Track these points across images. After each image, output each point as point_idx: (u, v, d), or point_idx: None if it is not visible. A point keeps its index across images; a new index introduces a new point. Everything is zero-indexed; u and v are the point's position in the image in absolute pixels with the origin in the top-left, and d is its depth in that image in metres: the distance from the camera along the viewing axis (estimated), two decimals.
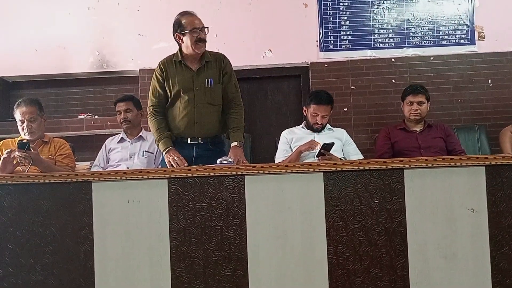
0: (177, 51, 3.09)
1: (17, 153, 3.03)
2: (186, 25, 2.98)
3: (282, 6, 4.70)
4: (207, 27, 3.03)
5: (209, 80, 3.06)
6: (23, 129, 3.34)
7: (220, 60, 3.14)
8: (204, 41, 3.01)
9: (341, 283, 2.24)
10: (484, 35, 4.64)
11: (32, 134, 3.35)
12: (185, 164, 2.85)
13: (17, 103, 3.38)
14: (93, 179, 2.31)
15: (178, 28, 3.02)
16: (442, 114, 4.52)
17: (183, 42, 3.02)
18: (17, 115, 3.34)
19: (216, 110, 3.11)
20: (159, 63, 3.11)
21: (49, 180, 2.31)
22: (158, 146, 3.10)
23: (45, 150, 3.37)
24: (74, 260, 2.29)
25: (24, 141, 3.16)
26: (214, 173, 2.30)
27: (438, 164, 2.27)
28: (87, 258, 2.28)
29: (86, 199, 2.30)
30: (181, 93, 3.02)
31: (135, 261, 2.28)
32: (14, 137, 3.48)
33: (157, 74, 3.10)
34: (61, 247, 2.29)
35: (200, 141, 3.09)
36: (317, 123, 3.54)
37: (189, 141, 3.08)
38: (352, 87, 4.64)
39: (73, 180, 2.31)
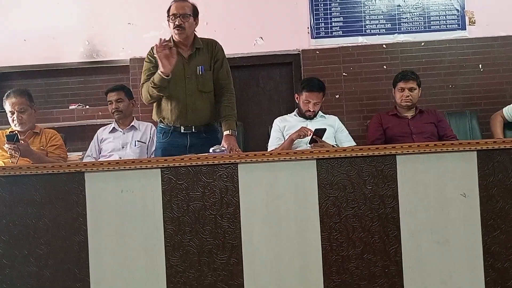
0: (170, 38, 3.08)
1: (6, 145, 3.02)
2: (170, 10, 3.00)
3: None
4: (190, 14, 2.98)
5: (200, 67, 3.05)
6: (13, 120, 3.32)
7: (212, 46, 3.13)
8: (182, 27, 2.97)
9: (335, 269, 2.25)
10: (474, 20, 4.65)
11: (22, 125, 3.32)
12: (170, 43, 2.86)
13: (6, 94, 3.35)
14: (86, 169, 2.30)
15: (167, 13, 3.03)
16: (434, 100, 4.54)
17: (170, 28, 3.03)
18: (7, 106, 3.32)
19: (208, 97, 3.10)
20: (152, 47, 3.08)
21: (42, 172, 2.30)
22: (154, 84, 2.92)
23: (36, 141, 3.35)
24: (69, 251, 2.28)
25: (13, 132, 3.14)
26: (207, 162, 2.30)
27: (430, 150, 2.28)
28: (81, 249, 2.28)
29: (79, 189, 2.29)
30: (173, 80, 3.01)
31: (129, 251, 2.28)
32: (4, 129, 3.45)
33: (149, 56, 3.08)
34: (55, 238, 2.28)
35: (193, 129, 3.08)
36: (309, 110, 3.55)
37: (182, 130, 3.07)
38: (344, 73, 4.64)
39: (66, 171, 2.30)
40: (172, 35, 3.05)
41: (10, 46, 4.69)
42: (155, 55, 2.88)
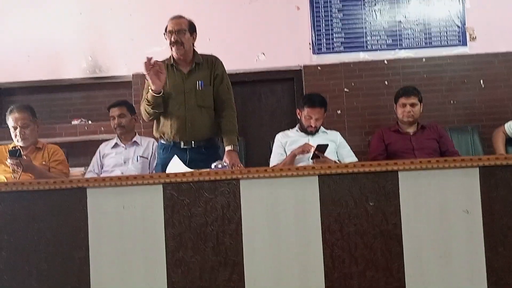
0: (170, 55, 3.12)
1: (8, 160, 3.02)
2: (167, 28, 3.05)
3: (275, 9, 4.71)
4: (185, 30, 3.02)
5: (200, 82, 3.07)
6: (15, 136, 3.33)
7: (211, 62, 3.15)
8: (178, 43, 3.01)
9: (337, 286, 2.23)
10: (475, 36, 4.67)
11: (25, 141, 3.33)
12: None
13: (9, 109, 3.37)
14: (88, 185, 2.30)
15: (164, 31, 3.08)
16: (435, 115, 4.54)
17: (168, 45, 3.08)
18: (10, 121, 3.33)
19: (207, 112, 3.11)
20: None
21: (44, 187, 2.29)
22: (148, 102, 3.00)
23: (38, 157, 3.36)
24: (70, 267, 2.27)
25: (15, 148, 3.15)
26: (209, 178, 2.30)
27: (432, 166, 2.27)
28: (83, 264, 2.27)
29: (81, 205, 2.29)
30: (172, 96, 3.03)
31: (131, 267, 2.27)
32: (7, 144, 3.46)
33: None
34: (56, 254, 2.27)
35: (193, 145, 3.08)
36: (311, 126, 3.55)
37: (182, 145, 3.08)
38: (345, 89, 4.65)
39: (68, 186, 2.30)
40: (171, 52, 3.08)
41: (14, 62, 4.71)
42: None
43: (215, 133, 3.17)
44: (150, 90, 2.93)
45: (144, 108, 3.06)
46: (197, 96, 3.06)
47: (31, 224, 2.29)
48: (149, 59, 2.84)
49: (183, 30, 3.01)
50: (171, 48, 3.04)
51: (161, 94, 2.94)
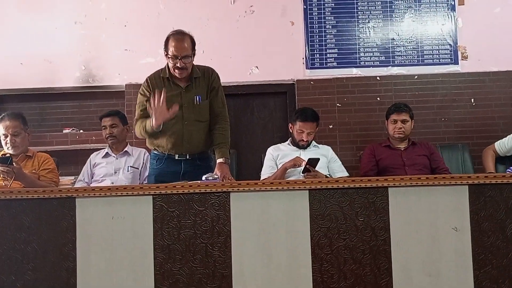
0: (165, 67, 3.06)
1: None
2: (169, 49, 2.94)
3: (269, 24, 4.74)
4: (190, 56, 2.97)
5: (197, 97, 3.04)
6: (6, 143, 3.31)
7: (208, 75, 3.11)
8: (183, 69, 2.95)
9: None
10: (467, 55, 4.72)
11: (15, 149, 3.32)
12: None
13: (0, 117, 3.36)
14: (77, 195, 2.29)
15: (164, 47, 2.99)
16: (426, 132, 4.57)
17: (169, 65, 3.01)
18: (1, 129, 3.31)
19: (204, 126, 3.10)
20: (147, 78, 3.07)
21: (32, 196, 2.28)
22: (146, 131, 2.99)
23: (28, 165, 3.34)
24: (57, 277, 2.25)
25: (6, 155, 3.13)
26: (199, 190, 2.30)
27: (422, 183, 2.29)
28: (70, 275, 2.25)
29: (70, 215, 2.28)
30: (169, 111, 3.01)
31: (118, 278, 2.26)
32: None
33: (144, 89, 3.06)
34: (44, 264, 2.26)
35: (187, 157, 3.07)
36: (303, 140, 3.56)
37: (176, 157, 3.07)
38: (338, 104, 4.67)
39: (57, 196, 2.28)
40: (168, 66, 3.03)
41: (6, 69, 4.69)
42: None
43: (209, 146, 3.17)
44: (151, 125, 2.90)
45: (140, 132, 3.05)
46: (195, 111, 3.04)
47: (19, 233, 2.27)
48: (159, 96, 2.82)
49: (188, 56, 2.95)
50: (174, 70, 2.96)
51: (160, 129, 2.92)
